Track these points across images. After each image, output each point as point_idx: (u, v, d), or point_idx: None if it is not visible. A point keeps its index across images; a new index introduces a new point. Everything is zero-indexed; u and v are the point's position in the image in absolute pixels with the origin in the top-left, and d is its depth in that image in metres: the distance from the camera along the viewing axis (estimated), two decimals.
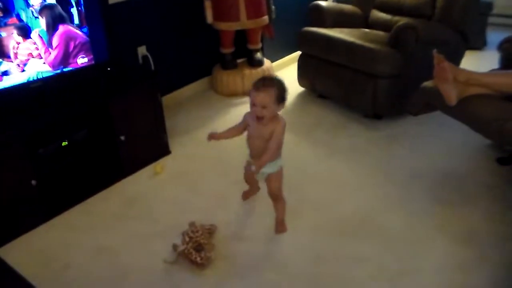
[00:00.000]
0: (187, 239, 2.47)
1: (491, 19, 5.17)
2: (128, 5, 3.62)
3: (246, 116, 2.49)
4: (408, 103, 3.12)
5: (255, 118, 2.36)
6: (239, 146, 3.42)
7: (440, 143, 3.40)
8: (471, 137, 3.38)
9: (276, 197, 2.60)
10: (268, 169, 2.48)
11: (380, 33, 3.93)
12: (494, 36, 4.94)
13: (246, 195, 2.92)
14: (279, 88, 2.33)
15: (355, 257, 2.43)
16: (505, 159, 3.13)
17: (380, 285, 2.26)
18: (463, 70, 2.72)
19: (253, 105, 2.34)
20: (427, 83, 2.89)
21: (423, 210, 2.74)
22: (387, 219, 2.69)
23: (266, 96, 2.29)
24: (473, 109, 2.61)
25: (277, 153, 2.47)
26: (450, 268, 2.33)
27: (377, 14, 4.18)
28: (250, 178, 2.77)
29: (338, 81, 3.79)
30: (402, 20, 3.73)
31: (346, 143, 3.46)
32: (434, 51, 2.68)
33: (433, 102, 2.85)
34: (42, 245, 2.65)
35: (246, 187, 2.88)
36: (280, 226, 2.65)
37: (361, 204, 2.82)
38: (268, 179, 2.55)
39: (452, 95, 2.66)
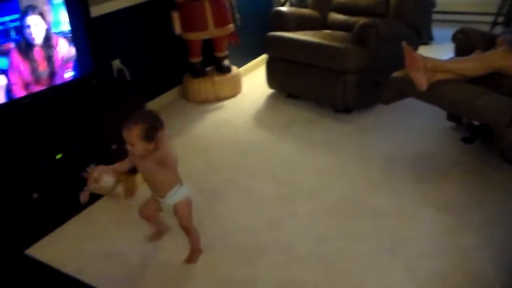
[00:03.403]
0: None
1: (434, 16, 5.57)
2: (101, 19, 3.73)
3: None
4: (380, 93, 3.38)
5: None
6: (223, 146, 3.65)
7: (408, 129, 3.69)
8: (434, 121, 3.72)
9: (187, 229, 2.52)
10: (170, 200, 2.45)
11: (340, 33, 4.21)
12: (438, 32, 5.33)
13: (154, 237, 2.76)
14: (146, 124, 2.25)
15: (353, 234, 2.66)
16: (468, 138, 3.44)
17: (381, 256, 2.49)
18: (430, 58, 3.01)
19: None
20: (397, 73, 3.18)
21: (405, 188, 3.00)
22: (374, 199, 2.93)
23: (130, 135, 2.26)
24: (444, 92, 2.91)
25: (174, 182, 2.45)
26: (440, 235, 2.59)
27: (335, 16, 4.46)
28: (151, 215, 2.64)
29: (307, 80, 4.03)
30: (360, 20, 4.02)
31: (322, 136, 3.70)
32: (403, 43, 2.97)
33: (405, 90, 3.13)
34: (50, 255, 2.71)
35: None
36: (191, 257, 2.57)
37: (348, 189, 3.06)
38: (174, 210, 2.46)
39: (423, 81, 2.94)
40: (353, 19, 4.28)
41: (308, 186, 3.12)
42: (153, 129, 2.27)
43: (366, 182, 3.10)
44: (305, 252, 2.56)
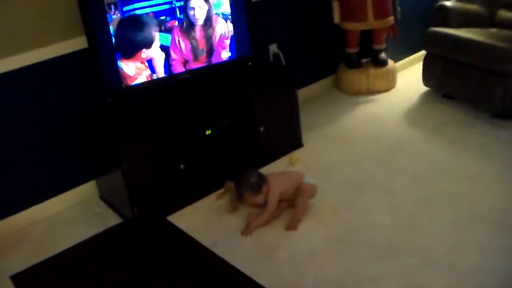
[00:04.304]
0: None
1: None
2: (262, 3, 3.86)
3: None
4: None
5: None
6: (369, 140, 3.61)
7: None
8: None
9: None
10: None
11: (508, 32, 3.93)
12: None
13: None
14: (249, 187, 2.87)
15: (494, 249, 2.53)
16: None
17: None
18: None
19: None
20: None
21: None
22: None
23: (246, 202, 2.95)
24: None
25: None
26: None
27: (505, 14, 4.17)
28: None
29: (465, 81, 3.85)
30: None
31: (475, 141, 3.51)
32: None
33: None
34: (189, 224, 2.88)
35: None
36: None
37: (497, 199, 2.89)
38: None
39: None
40: None
41: (452, 191, 3.01)
42: (257, 183, 2.87)
43: None
44: (438, 259, 2.50)
